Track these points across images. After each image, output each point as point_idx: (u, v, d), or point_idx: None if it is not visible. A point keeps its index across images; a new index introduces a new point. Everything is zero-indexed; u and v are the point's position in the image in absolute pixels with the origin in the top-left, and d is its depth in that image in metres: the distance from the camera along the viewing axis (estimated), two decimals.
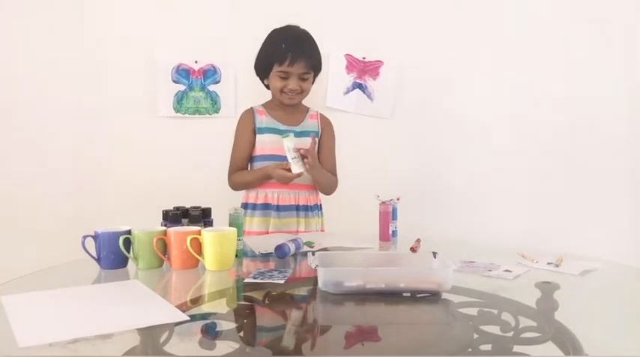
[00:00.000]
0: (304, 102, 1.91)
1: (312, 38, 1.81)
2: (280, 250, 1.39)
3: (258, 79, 1.88)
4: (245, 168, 1.85)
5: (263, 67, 1.82)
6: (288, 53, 1.73)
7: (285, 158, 1.74)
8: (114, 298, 1.09)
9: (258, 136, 1.83)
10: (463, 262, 1.32)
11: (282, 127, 1.82)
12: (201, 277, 1.25)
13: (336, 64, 2.36)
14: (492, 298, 1.11)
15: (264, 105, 1.88)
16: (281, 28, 1.82)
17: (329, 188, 1.89)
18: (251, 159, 1.86)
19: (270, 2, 2.22)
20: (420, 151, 2.41)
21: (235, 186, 1.85)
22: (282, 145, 1.77)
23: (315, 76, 1.85)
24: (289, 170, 1.69)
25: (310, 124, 1.88)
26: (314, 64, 1.79)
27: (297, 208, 1.83)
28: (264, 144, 1.82)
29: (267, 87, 1.86)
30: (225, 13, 2.27)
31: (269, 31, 1.85)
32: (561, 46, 2.34)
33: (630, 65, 2.34)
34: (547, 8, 2.33)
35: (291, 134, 1.70)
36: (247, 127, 1.84)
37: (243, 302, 1.13)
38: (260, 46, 1.83)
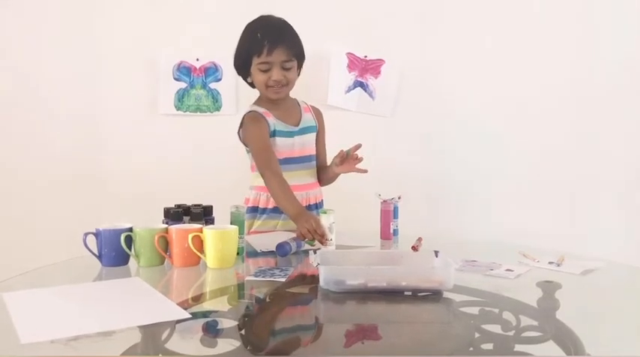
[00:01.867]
0: (296, 97, 1.88)
1: (289, 25, 1.72)
2: (281, 249, 1.39)
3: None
4: (278, 167, 1.68)
5: (242, 64, 1.73)
6: (265, 41, 1.64)
7: (289, 160, 1.74)
8: (115, 295, 1.09)
9: (270, 138, 1.74)
10: (465, 261, 1.31)
11: (288, 128, 1.76)
12: (203, 274, 1.25)
13: (337, 63, 2.36)
14: (494, 297, 1.11)
15: (260, 105, 1.78)
16: (254, 20, 1.74)
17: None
18: None
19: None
20: (421, 149, 2.41)
21: (267, 186, 1.67)
22: (288, 148, 1.74)
23: (300, 65, 1.75)
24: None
25: (307, 118, 1.83)
26: (295, 52, 1.70)
27: (308, 207, 1.79)
28: (277, 148, 1.73)
29: (252, 85, 1.79)
30: (227, 10, 2.27)
31: None
32: (562, 46, 2.34)
33: (632, 68, 2.34)
34: (549, 7, 2.33)
35: (333, 212, 1.48)
36: (265, 130, 1.72)
37: (244, 300, 1.13)
38: (236, 47, 1.75)
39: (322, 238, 1.43)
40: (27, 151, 2.26)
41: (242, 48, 1.73)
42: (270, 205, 1.74)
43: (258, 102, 1.81)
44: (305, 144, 1.80)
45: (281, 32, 1.68)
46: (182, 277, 1.25)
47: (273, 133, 1.74)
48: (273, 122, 1.75)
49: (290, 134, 1.77)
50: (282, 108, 1.79)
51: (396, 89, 2.38)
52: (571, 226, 2.34)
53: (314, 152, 1.84)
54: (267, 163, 1.67)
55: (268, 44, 1.64)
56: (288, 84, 1.72)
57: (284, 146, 1.75)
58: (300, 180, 1.76)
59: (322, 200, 1.86)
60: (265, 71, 1.68)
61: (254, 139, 1.72)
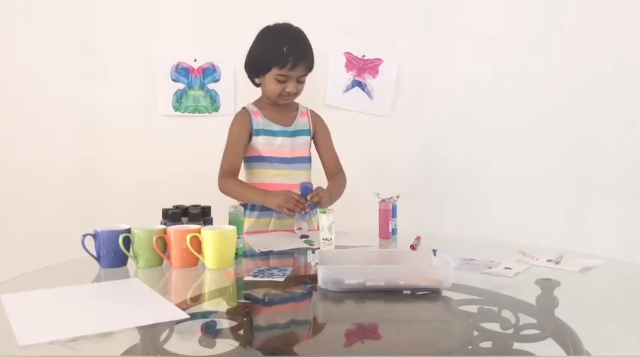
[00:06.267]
0: (297, 99, 1.89)
1: (307, 37, 1.77)
2: (305, 190, 1.59)
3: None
4: (238, 172, 1.79)
5: (259, 67, 1.76)
6: (290, 57, 1.68)
7: (276, 160, 1.77)
8: (114, 296, 1.09)
9: (253, 137, 1.78)
10: (463, 260, 1.31)
11: (276, 128, 1.80)
12: (201, 275, 1.25)
13: (335, 62, 2.36)
14: (492, 296, 1.11)
15: (256, 104, 1.84)
16: (278, 28, 1.77)
17: (342, 193, 1.83)
18: (244, 159, 1.82)
19: (269, 0, 2.21)
20: (419, 148, 2.41)
21: (226, 193, 1.76)
22: (275, 147, 1.77)
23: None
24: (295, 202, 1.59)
25: (302, 122, 1.85)
26: (311, 66, 1.76)
27: None
28: (259, 146, 1.78)
29: (257, 85, 1.82)
30: (225, 11, 2.27)
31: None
32: (562, 43, 2.34)
33: (630, 66, 2.34)
34: (547, 8, 2.33)
35: (332, 212, 1.46)
36: (244, 130, 1.78)
37: (243, 300, 1.13)
38: (253, 44, 1.78)
39: (300, 204, 1.57)
40: (25, 152, 2.25)
41: (263, 54, 1.75)
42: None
43: (255, 101, 1.85)
44: (295, 146, 1.82)
45: (304, 48, 1.74)
46: (181, 277, 1.25)
47: (257, 133, 1.78)
48: (259, 122, 1.79)
49: (279, 134, 1.80)
50: (276, 109, 1.82)
51: (394, 89, 2.39)
52: (570, 224, 2.34)
53: (306, 155, 1.86)
54: (229, 168, 1.75)
55: (293, 60, 1.69)
56: (297, 94, 1.78)
57: (269, 145, 1.79)
58: (288, 179, 1.77)
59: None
60: (281, 82, 1.72)
61: (228, 140, 1.80)
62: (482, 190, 2.40)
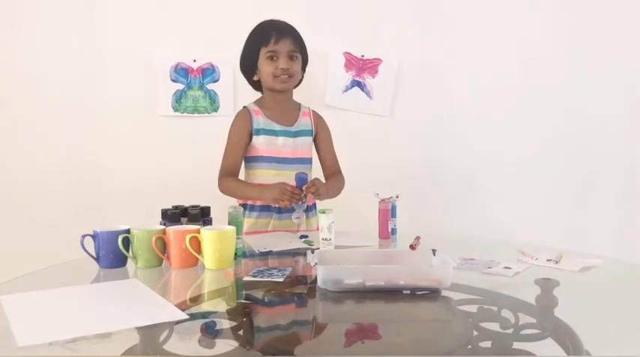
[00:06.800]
0: (297, 99, 1.90)
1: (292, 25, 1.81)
2: (300, 181, 1.61)
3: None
4: (238, 171, 1.80)
5: (250, 58, 1.78)
6: (272, 32, 1.73)
7: (277, 160, 1.77)
8: (113, 297, 1.09)
9: (254, 137, 1.78)
10: (462, 260, 1.31)
11: (278, 128, 1.79)
12: (201, 275, 1.25)
13: (334, 62, 2.36)
14: (492, 295, 1.11)
15: (258, 104, 1.83)
16: (260, 22, 1.81)
17: (339, 192, 1.85)
18: (245, 160, 1.82)
19: (268, 0, 2.21)
20: (419, 148, 2.41)
21: (225, 192, 1.78)
22: (276, 147, 1.77)
23: (304, 62, 1.81)
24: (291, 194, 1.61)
25: (304, 122, 1.85)
26: (300, 46, 1.77)
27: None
28: (260, 146, 1.78)
29: (255, 86, 1.84)
30: (224, 11, 2.27)
31: None
32: (562, 41, 2.34)
33: (631, 66, 2.33)
34: (548, 8, 2.33)
35: (332, 212, 1.44)
36: (244, 129, 1.78)
37: (242, 301, 1.13)
38: (243, 46, 1.81)
39: (295, 195, 1.59)
40: (23, 151, 2.25)
41: (250, 44, 1.79)
42: (259, 203, 1.77)
43: (257, 100, 1.85)
44: (297, 146, 1.82)
45: (287, 26, 1.77)
46: (180, 278, 1.25)
47: (258, 132, 1.78)
48: (259, 121, 1.79)
49: (281, 133, 1.79)
50: (278, 108, 1.82)
51: (393, 88, 2.39)
52: (570, 224, 2.34)
53: (308, 156, 1.86)
54: (228, 168, 1.76)
55: (276, 34, 1.73)
56: (294, 75, 1.77)
57: (271, 145, 1.78)
58: (288, 180, 1.76)
59: (315, 203, 1.85)
60: (273, 60, 1.73)
61: (228, 140, 1.80)
62: (482, 190, 2.40)
